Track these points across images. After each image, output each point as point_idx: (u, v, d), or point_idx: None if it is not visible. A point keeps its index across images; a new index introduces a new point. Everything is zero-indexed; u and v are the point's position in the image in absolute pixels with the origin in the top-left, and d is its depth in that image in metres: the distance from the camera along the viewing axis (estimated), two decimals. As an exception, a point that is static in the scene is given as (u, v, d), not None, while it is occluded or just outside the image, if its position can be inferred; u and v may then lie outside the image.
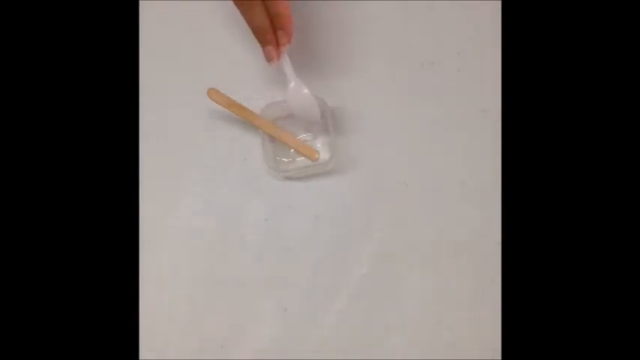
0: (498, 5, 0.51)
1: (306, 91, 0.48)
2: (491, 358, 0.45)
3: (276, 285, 0.48)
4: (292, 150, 0.49)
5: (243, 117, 0.48)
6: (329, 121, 0.48)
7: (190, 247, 0.49)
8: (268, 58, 0.46)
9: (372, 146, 0.51)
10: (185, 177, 0.51)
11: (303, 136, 0.50)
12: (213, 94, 0.48)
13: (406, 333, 0.47)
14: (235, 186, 0.51)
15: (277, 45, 0.46)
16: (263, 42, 0.46)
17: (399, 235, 0.49)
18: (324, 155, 0.49)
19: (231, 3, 0.45)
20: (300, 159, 0.50)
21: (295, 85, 0.48)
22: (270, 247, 0.49)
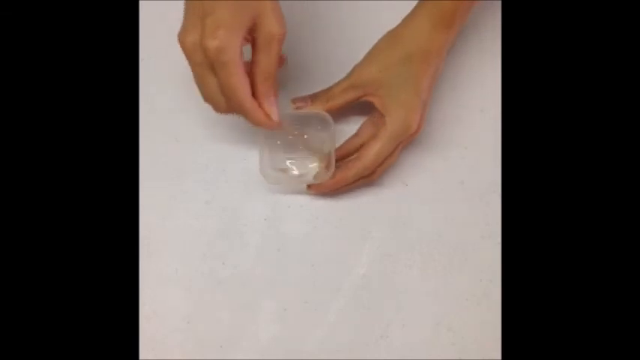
0: (498, 5, 0.51)
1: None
2: (491, 358, 0.45)
3: (276, 285, 0.48)
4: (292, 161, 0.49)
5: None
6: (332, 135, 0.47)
7: (190, 247, 0.49)
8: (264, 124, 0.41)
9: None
10: (185, 177, 0.51)
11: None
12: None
13: (406, 333, 0.47)
14: (235, 186, 0.51)
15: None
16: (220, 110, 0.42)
17: (399, 235, 0.49)
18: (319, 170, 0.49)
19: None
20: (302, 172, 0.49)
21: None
22: (270, 247, 0.49)
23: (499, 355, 0.36)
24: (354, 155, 0.47)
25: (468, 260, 0.48)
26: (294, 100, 0.48)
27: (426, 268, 0.48)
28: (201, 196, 0.50)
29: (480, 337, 0.46)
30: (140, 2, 0.46)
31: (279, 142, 0.48)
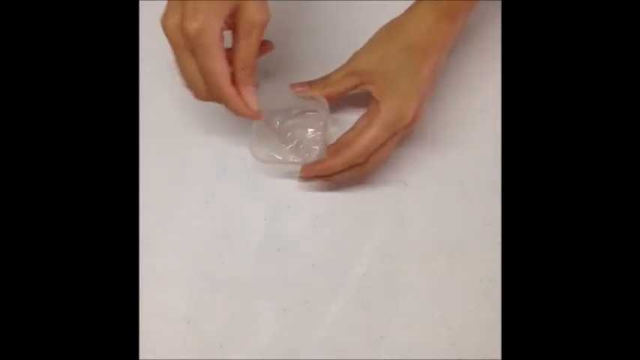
0: (498, 5, 0.51)
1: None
2: (491, 358, 0.45)
3: (276, 285, 0.48)
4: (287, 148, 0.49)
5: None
6: (326, 122, 0.48)
7: (190, 247, 0.49)
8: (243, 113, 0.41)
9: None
10: (185, 177, 0.51)
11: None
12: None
13: (406, 333, 0.47)
14: (235, 186, 0.51)
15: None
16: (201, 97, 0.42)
17: (398, 235, 0.49)
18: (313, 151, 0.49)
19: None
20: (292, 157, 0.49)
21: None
22: (269, 247, 0.49)
23: (499, 355, 0.36)
24: None
25: (468, 260, 0.48)
26: (292, 85, 0.47)
27: (426, 268, 0.48)
28: (201, 196, 0.50)
29: (480, 337, 0.46)
30: (140, 2, 0.46)
31: (275, 125, 0.48)
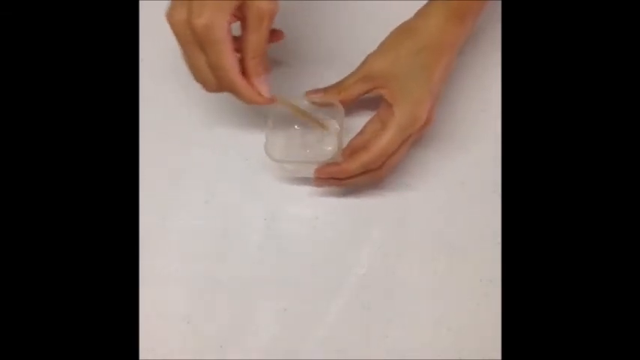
0: (498, 5, 0.51)
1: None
2: (491, 358, 0.45)
3: (276, 285, 0.48)
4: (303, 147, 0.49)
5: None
6: (341, 126, 0.48)
7: (190, 247, 0.49)
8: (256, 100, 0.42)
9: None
10: (185, 177, 0.51)
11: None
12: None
13: (406, 333, 0.47)
14: (235, 186, 0.51)
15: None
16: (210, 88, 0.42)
17: (399, 235, 0.49)
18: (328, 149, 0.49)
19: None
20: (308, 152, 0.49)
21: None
22: (269, 247, 0.49)
23: (499, 355, 0.36)
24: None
25: (467, 260, 0.48)
26: (308, 93, 0.48)
27: (426, 268, 0.48)
28: (201, 196, 0.50)
29: (480, 337, 0.46)
30: (140, 2, 0.46)
31: (290, 130, 0.49)
